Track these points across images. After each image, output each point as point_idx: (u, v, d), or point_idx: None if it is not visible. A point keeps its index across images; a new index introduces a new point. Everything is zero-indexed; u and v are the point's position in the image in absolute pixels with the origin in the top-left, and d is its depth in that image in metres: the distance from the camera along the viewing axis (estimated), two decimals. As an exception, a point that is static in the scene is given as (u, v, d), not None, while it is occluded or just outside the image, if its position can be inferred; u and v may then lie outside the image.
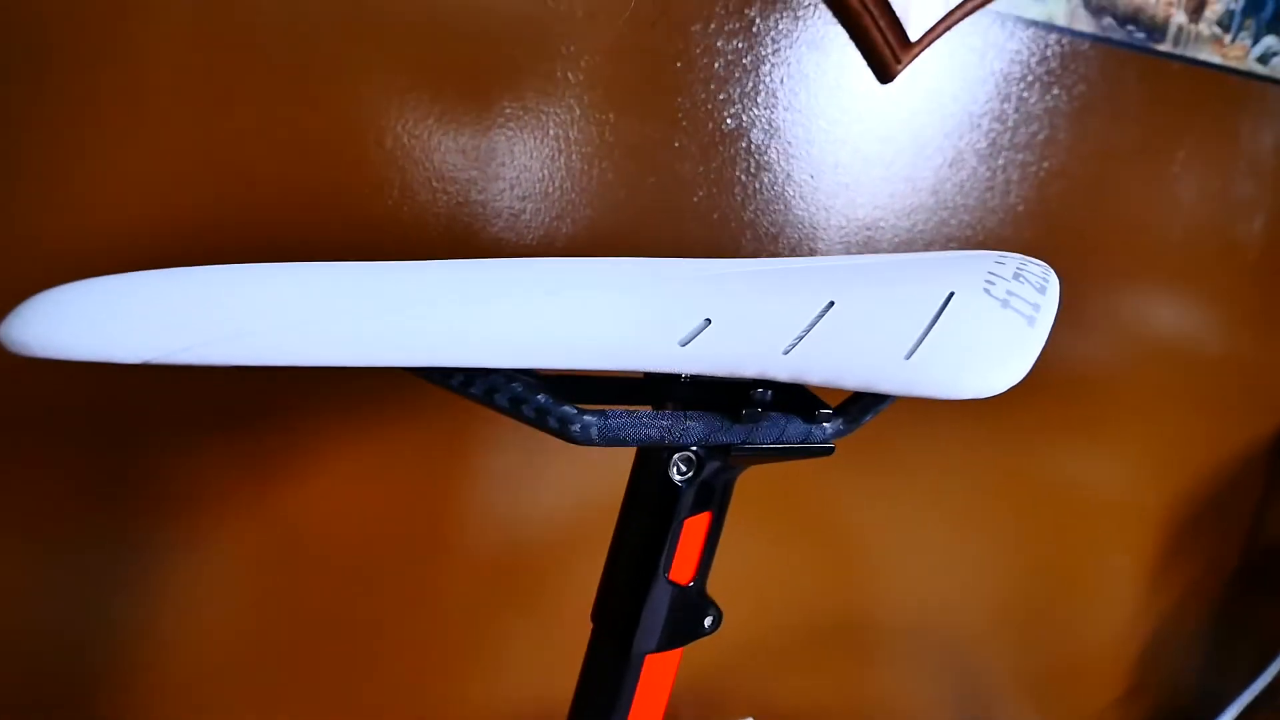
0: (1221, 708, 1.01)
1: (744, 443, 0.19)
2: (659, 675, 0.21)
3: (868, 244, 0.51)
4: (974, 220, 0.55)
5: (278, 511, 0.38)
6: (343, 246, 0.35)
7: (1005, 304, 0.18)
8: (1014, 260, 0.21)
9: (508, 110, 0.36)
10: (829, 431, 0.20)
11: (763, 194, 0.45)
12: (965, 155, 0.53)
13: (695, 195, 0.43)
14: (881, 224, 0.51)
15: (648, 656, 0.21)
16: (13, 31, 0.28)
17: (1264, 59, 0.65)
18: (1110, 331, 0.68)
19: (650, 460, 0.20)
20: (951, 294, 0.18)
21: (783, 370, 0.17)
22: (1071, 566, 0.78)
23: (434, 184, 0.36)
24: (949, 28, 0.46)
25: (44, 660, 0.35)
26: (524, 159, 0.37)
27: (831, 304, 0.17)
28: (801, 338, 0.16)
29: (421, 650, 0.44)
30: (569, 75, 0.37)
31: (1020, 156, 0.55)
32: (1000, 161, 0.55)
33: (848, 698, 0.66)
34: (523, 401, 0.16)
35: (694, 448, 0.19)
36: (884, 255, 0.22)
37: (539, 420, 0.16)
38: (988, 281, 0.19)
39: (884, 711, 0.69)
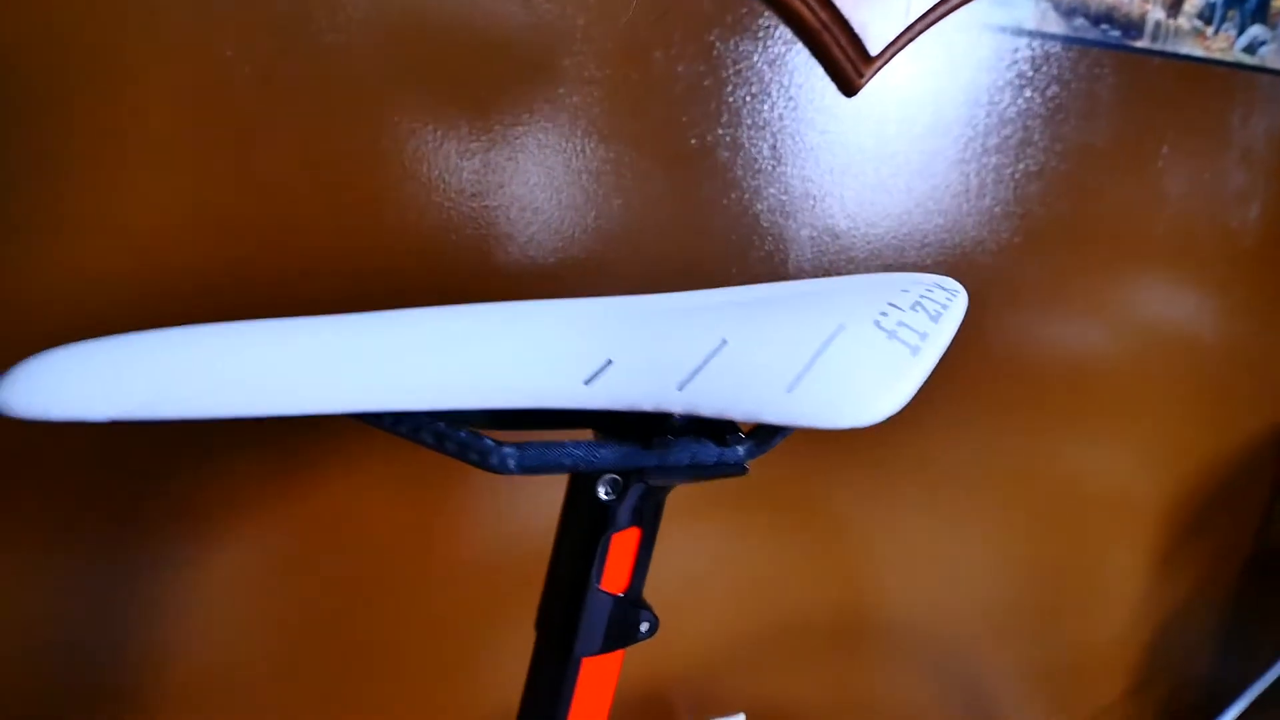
0: (1233, 700, 1.00)
1: (657, 466, 0.21)
2: (599, 677, 0.24)
3: (840, 253, 0.52)
4: (948, 224, 0.56)
5: (278, 524, 0.41)
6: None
7: (892, 335, 0.20)
8: (921, 286, 0.23)
9: (477, 142, 0.38)
10: (741, 454, 0.22)
11: (731, 210, 0.47)
12: (935, 162, 0.53)
13: (661, 215, 0.45)
14: (853, 233, 0.52)
15: (585, 660, 0.23)
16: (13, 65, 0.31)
17: (1251, 49, 0.65)
18: (1107, 325, 0.68)
19: (581, 481, 0.22)
20: (841, 327, 0.19)
21: (677, 404, 0.18)
22: (1074, 561, 0.78)
23: (415, 221, 0.38)
24: (911, 40, 0.47)
25: (53, 673, 0.38)
26: (493, 184, 0.40)
27: (725, 341, 0.19)
28: (694, 375, 0.18)
29: (418, 657, 0.46)
30: (533, 107, 0.39)
31: (994, 160, 0.56)
32: (973, 166, 0.55)
33: (843, 694, 0.67)
34: (446, 438, 0.18)
35: (616, 471, 0.21)
36: (797, 284, 0.23)
37: (461, 454, 0.19)
38: (881, 313, 0.20)
39: (880, 708, 0.70)
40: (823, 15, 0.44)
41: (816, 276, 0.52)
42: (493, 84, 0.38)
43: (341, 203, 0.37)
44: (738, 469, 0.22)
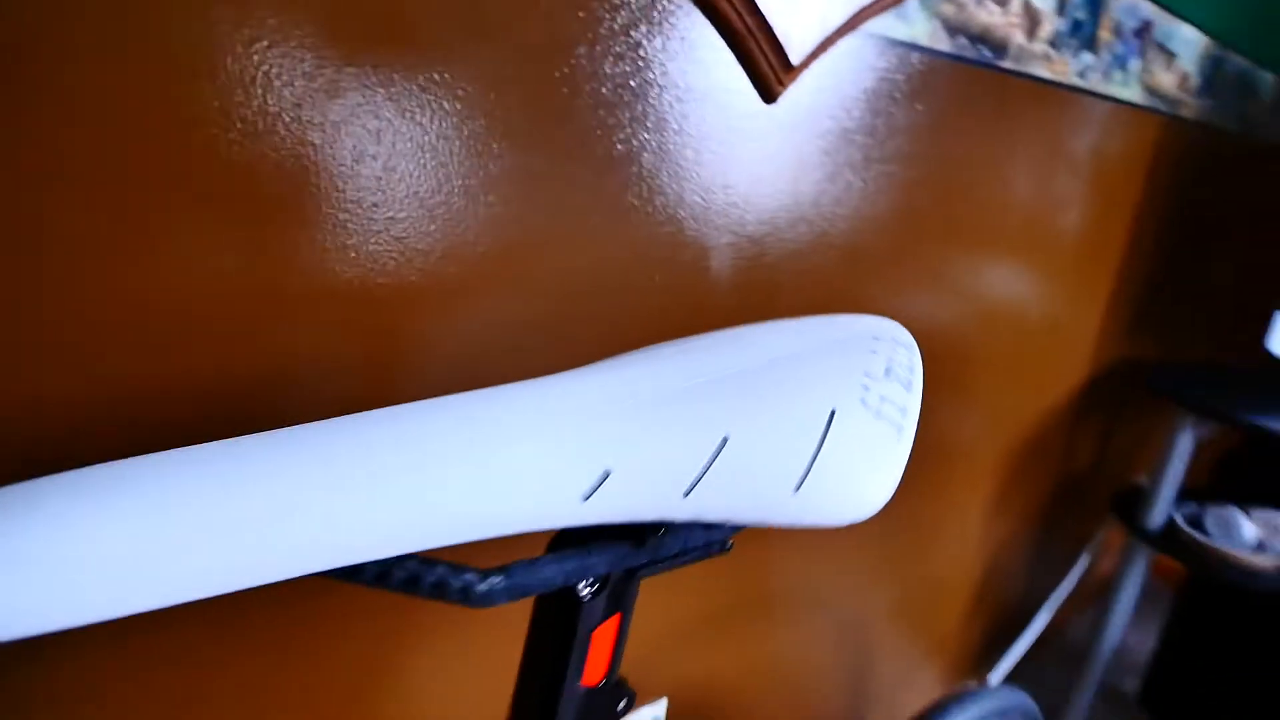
0: (1041, 606, 1.23)
1: (649, 564, 0.19)
2: (578, 767, 0.22)
3: (757, 258, 0.53)
4: (849, 229, 0.59)
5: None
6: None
7: (879, 415, 0.20)
8: (884, 345, 0.23)
9: (379, 146, 0.33)
10: (727, 531, 0.21)
11: (655, 217, 0.45)
12: (842, 169, 0.56)
13: (588, 222, 0.42)
14: (769, 238, 0.53)
15: (566, 756, 0.22)
16: None
17: (1082, 74, 0.74)
18: (967, 306, 0.77)
19: (559, 580, 0.20)
20: (833, 411, 0.19)
21: (682, 513, 0.17)
22: (929, 512, 0.90)
23: (294, 229, 0.32)
24: (826, 50, 0.48)
25: None
26: (400, 194, 0.34)
27: (726, 439, 0.18)
28: (699, 480, 0.17)
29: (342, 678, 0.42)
30: (445, 105, 0.34)
31: (889, 168, 0.60)
32: (871, 173, 0.58)
33: (753, 662, 0.72)
34: (417, 580, 0.15)
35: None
36: (770, 340, 0.22)
37: (439, 593, 0.16)
38: (864, 387, 0.20)
39: (785, 664, 0.77)
40: (749, 20, 0.42)
41: (737, 282, 0.52)
42: (397, 77, 0.32)
43: (209, 222, 0.29)
44: (723, 549, 0.21)
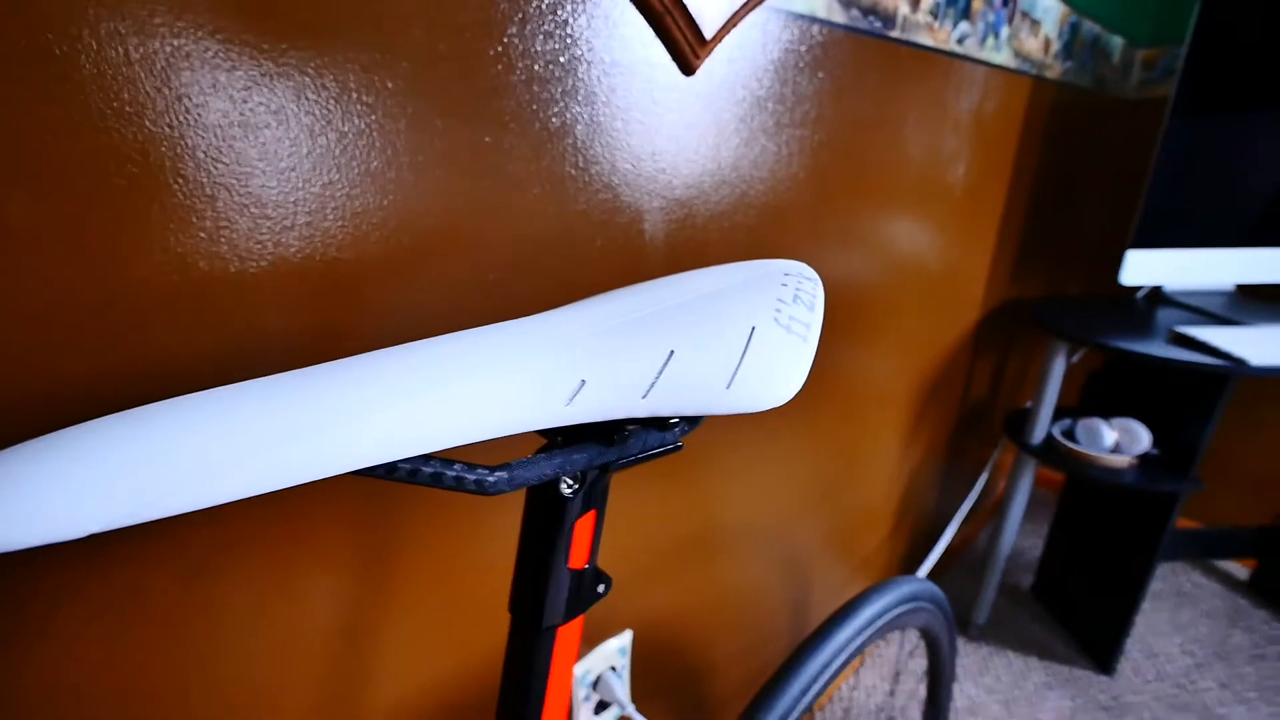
0: (950, 520, 1.39)
1: (618, 459, 0.24)
2: (568, 640, 0.27)
3: (686, 220, 0.58)
4: (767, 189, 0.65)
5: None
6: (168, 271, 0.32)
7: (789, 329, 0.25)
8: (794, 279, 0.29)
9: (328, 127, 0.35)
10: (678, 433, 0.26)
11: (592, 185, 0.49)
12: (757, 135, 0.61)
13: (530, 193, 0.45)
14: (696, 201, 0.58)
15: (558, 629, 0.27)
16: None
17: (961, 41, 0.83)
18: (876, 257, 0.86)
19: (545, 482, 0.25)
20: (753, 328, 0.24)
21: (643, 410, 0.22)
22: (854, 446, 1.00)
23: (252, 209, 0.33)
24: (735, 24, 0.53)
25: None
26: (355, 173, 0.36)
27: (672, 352, 0.23)
28: (654, 384, 0.22)
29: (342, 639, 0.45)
30: (389, 84, 0.36)
31: (799, 132, 0.66)
32: (784, 138, 0.64)
33: (708, 592, 0.80)
34: (440, 476, 0.20)
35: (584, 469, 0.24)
36: (699, 278, 0.28)
37: (459, 485, 0.20)
38: (776, 310, 0.26)
39: (737, 592, 0.85)
40: (665, -2, 0.46)
41: (669, 242, 0.57)
42: (339, 59, 0.34)
43: (161, 209, 0.31)
44: (676, 448, 0.26)
